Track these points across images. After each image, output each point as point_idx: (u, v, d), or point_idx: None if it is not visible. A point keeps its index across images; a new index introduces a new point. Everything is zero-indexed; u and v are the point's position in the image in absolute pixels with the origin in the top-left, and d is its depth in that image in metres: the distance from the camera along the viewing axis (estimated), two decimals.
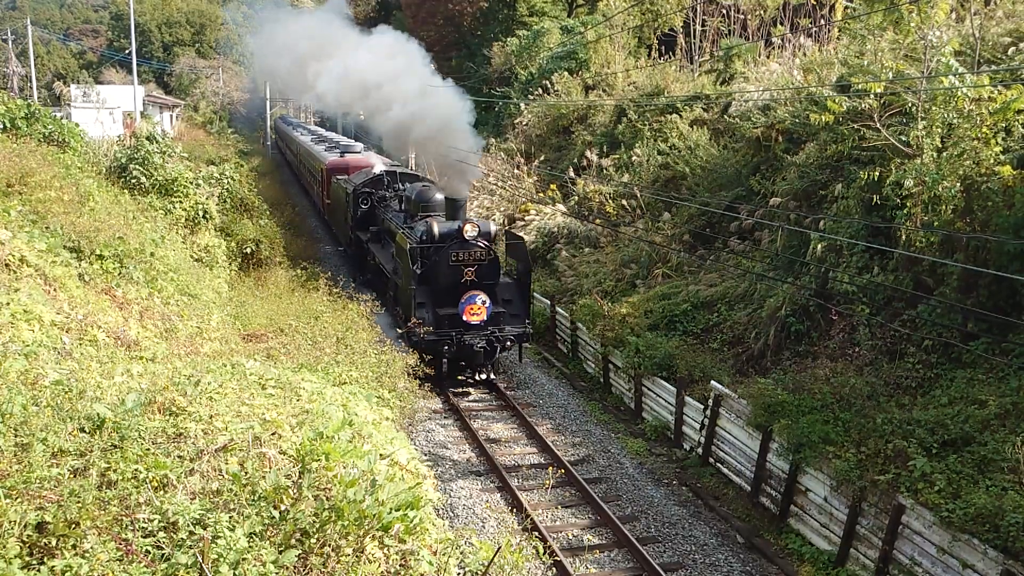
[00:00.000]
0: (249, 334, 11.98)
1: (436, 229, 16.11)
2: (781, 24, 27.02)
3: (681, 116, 23.69)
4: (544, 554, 4.24)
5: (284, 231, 25.11)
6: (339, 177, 25.93)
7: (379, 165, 24.50)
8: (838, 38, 23.52)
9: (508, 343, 15.88)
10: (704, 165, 20.70)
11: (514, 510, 11.41)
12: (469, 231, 15.58)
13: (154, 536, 3.73)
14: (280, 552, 3.76)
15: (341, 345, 11.42)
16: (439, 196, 17.97)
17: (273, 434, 5.06)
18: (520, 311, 16.38)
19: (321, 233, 31.11)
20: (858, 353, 12.66)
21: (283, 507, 4.04)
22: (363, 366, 9.96)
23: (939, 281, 12.34)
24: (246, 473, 4.33)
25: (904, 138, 13.17)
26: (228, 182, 20.83)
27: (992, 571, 8.20)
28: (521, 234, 20.04)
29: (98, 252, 10.49)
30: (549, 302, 19.41)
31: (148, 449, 4.44)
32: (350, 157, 28.67)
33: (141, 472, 4.14)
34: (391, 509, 4.05)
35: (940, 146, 12.71)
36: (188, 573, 3.50)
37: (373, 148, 33.74)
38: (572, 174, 26.89)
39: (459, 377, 15.97)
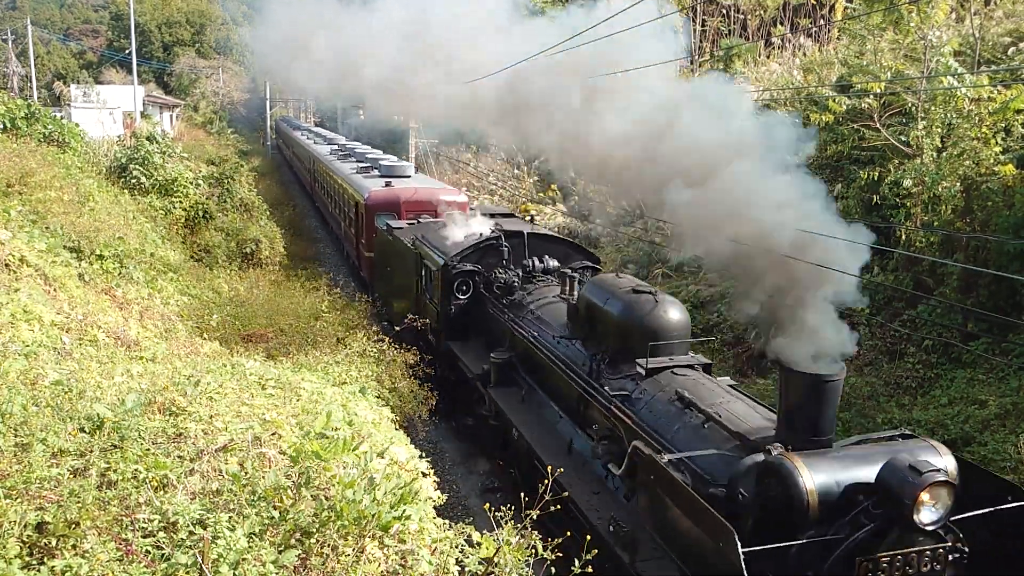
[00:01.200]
0: (249, 334, 11.98)
1: (805, 484, 5.44)
2: (781, 24, 27.04)
3: None
4: (545, 551, 4.23)
5: (284, 231, 25.00)
6: (393, 225, 15.83)
7: (466, 207, 15.41)
8: (838, 38, 23.53)
9: None
10: None
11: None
12: (929, 508, 5.14)
13: (154, 536, 3.73)
14: (280, 552, 3.76)
15: (341, 345, 11.41)
16: (676, 316, 8.27)
17: (273, 434, 5.07)
18: None
19: (322, 234, 30.56)
20: (858, 353, 12.67)
21: (283, 507, 4.05)
22: (363, 366, 9.96)
23: (939, 281, 12.35)
24: (246, 473, 4.33)
25: (904, 138, 13.18)
26: (228, 182, 20.81)
27: None
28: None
29: (98, 252, 10.50)
30: None
31: (148, 449, 4.44)
32: (403, 188, 19.26)
33: (141, 472, 4.14)
34: (390, 508, 4.05)
35: (940, 146, 12.72)
36: (188, 573, 3.50)
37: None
38: (572, 174, 26.88)
39: None
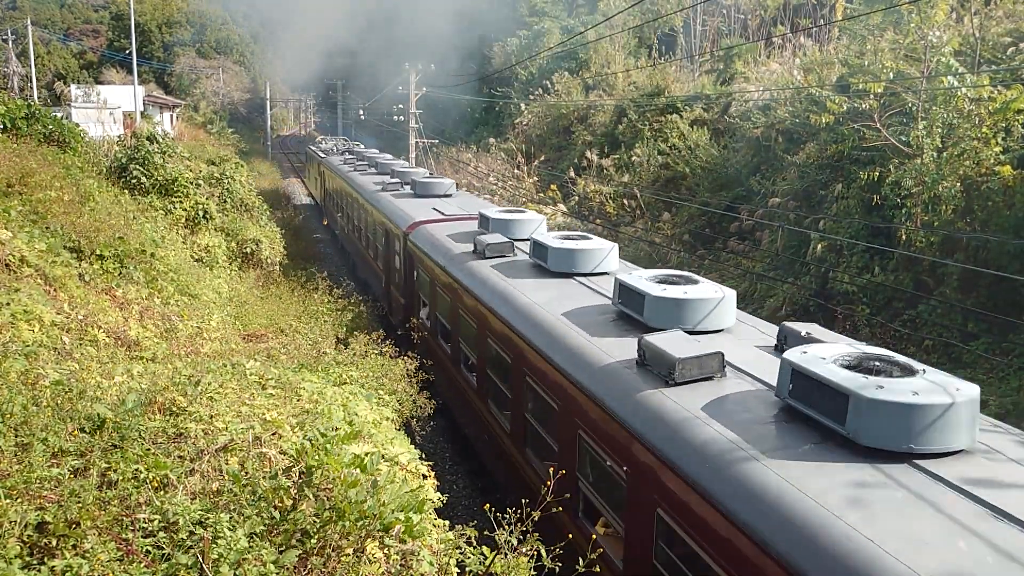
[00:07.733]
0: (249, 334, 11.97)
1: None
2: (781, 24, 27.04)
3: (681, 116, 23.70)
4: (547, 557, 4.23)
5: (284, 231, 24.88)
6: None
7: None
8: (838, 38, 23.52)
9: None
10: (704, 165, 20.70)
11: None
12: None
13: (154, 536, 3.73)
14: (280, 552, 3.75)
15: (341, 345, 11.40)
16: None
17: (273, 434, 5.06)
18: None
19: (322, 233, 30.51)
20: None
21: (284, 507, 4.04)
22: (363, 367, 9.95)
23: (939, 281, 12.34)
24: (246, 473, 4.33)
25: (904, 138, 13.18)
26: (228, 182, 20.76)
27: None
28: None
29: (98, 252, 10.49)
30: None
31: (148, 449, 4.44)
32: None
33: (141, 472, 4.14)
34: (392, 510, 4.04)
35: (940, 146, 12.72)
36: (188, 573, 3.49)
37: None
38: (572, 174, 26.88)
39: None
